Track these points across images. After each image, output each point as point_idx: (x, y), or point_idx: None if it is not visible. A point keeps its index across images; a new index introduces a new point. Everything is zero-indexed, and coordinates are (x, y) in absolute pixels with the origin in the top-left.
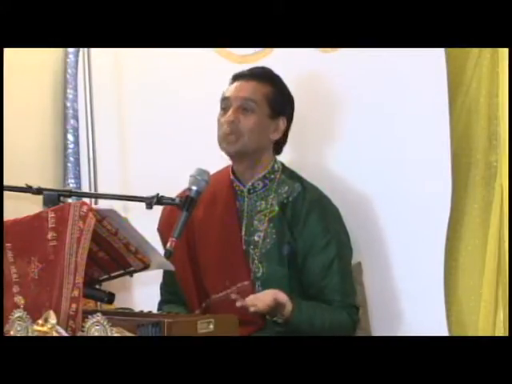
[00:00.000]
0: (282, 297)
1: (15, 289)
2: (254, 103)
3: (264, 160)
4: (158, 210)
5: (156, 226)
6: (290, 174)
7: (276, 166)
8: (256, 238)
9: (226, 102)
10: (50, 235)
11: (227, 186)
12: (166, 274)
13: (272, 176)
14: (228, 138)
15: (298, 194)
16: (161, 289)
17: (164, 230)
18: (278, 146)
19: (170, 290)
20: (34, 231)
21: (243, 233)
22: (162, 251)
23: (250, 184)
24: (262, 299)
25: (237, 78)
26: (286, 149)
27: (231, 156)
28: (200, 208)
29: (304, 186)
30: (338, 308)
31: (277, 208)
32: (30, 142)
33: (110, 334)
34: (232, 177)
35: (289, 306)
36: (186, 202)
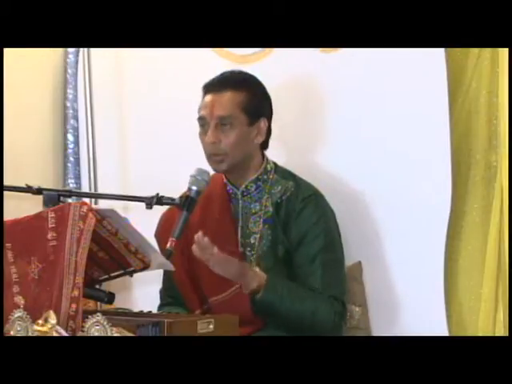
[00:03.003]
0: (249, 268)
1: (15, 289)
2: (230, 118)
3: (254, 164)
4: (158, 210)
5: (156, 226)
6: (282, 174)
7: (268, 166)
8: (252, 240)
9: (202, 121)
10: (50, 235)
11: (221, 189)
12: (165, 278)
13: (265, 177)
14: (214, 159)
15: (291, 193)
16: (160, 293)
17: (161, 237)
18: (265, 143)
19: (170, 294)
20: (34, 231)
21: (239, 235)
22: None
23: (243, 187)
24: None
25: (208, 89)
26: (284, 150)
27: (222, 173)
28: (196, 210)
29: (297, 184)
30: (321, 296)
31: (271, 209)
32: (29, 141)
33: (110, 334)
34: (225, 180)
35: (260, 279)
36: (186, 201)
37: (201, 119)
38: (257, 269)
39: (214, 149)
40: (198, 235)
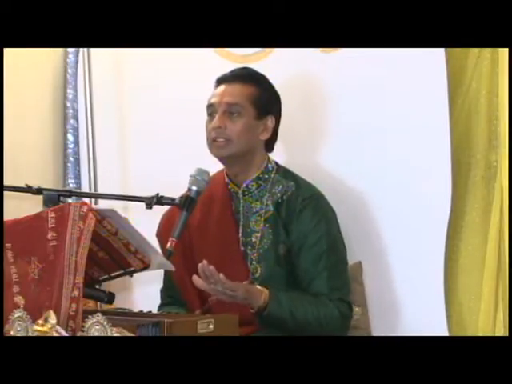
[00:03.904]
0: (253, 287)
1: (15, 289)
2: (239, 107)
3: (256, 161)
4: (158, 210)
5: (156, 226)
6: (284, 173)
7: (270, 165)
8: (253, 239)
9: (211, 109)
10: (50, 235)
11: (223, 188)
12: (166, 278)
13: (266, 176)
14: (216, 143)
15: (292, 192)
16: (161, 292)
17: (163, 236)
18: (269, 145)
19: (170, 294)
20: (34, 231)
21: (240, 234)
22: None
23: (244, 186)
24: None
25: (220, 81)
26: (284, 150)
27: (222, 161)
28: (197, 210)
29: (298, 184)
30: (325, 300)
31: (272, 208)
32: (29, 141)
33: (110, 334)
34: (227, 179)
35: (265, 295)
36: (186, 201)
37: (209, 107)
38: (257, 286)
39: (219, 133)
40: (203, 264)
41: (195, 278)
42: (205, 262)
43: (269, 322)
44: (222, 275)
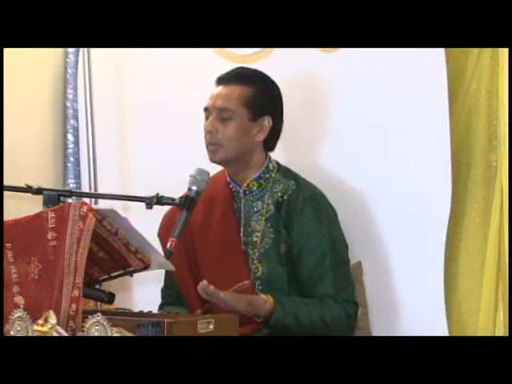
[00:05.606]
0: (256, 297)
1: (15, 289)
2: (229, 112)
3: (255, 161)
4: (158, 209)
5: (156, 226)
6: (284, 173)
7: (271, 165)
8: (254, 239)
9: (207, 112)
10: (50, 235)
11: (224, 188)
12: (167, 277)
13: (267, 176)
14: (210, 148)
15: (293, 191)
16: (162, 292)
17: (164, 236)
18: (269, 144)
19: (171, 293)
20: (33, 231)
21: (241, 234)
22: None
23: (245, 185)
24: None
25: (219, 81)
26: (285, 150)
27: (219, 164)
28: (199, 209)
29: (298, 184)
30: (330, 302)
31: (273, 208)
32: (29, 141)
33: (110, 334)
34: (228, 178)
35: (270, 304)
36: (186, 201)
37: (205, 110)
38: (261, 295)
39: (211, 138)
40: (203, 284)
41: (200, 289)
42: (204, 281)
43: (275, 329)
44: (222, 293)
